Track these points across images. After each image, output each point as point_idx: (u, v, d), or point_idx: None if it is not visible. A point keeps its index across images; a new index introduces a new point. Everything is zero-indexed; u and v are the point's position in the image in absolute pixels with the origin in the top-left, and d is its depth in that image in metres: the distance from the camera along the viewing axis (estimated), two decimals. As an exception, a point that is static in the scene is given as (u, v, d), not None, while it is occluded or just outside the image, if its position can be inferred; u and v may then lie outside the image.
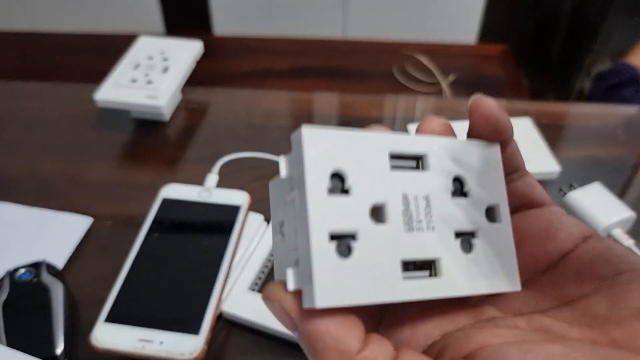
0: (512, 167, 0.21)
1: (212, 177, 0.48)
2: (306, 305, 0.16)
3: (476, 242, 0.19)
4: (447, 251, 0.18)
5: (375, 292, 0.17)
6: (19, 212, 0.48)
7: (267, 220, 0.46)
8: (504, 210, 0.20)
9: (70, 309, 0.40)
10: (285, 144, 0.55)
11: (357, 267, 0.16)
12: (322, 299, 0.16)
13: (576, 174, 0.52)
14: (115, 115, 0.57)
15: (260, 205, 0.47)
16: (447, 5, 0.77)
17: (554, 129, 0.58)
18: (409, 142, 0.19)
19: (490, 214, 0.20)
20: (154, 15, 0.74)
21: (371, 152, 0.18)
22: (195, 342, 0.37)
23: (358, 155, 0.18)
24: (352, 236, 0.17)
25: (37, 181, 0.52)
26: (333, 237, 0.16)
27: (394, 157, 0.18)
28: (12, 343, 0.37)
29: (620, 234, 0.45)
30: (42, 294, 0.40)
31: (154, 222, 0.45)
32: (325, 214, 0.16)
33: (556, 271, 0.19)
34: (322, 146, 0.17)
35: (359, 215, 0.17)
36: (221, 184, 0.49)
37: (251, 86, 0.63)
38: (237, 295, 0.40)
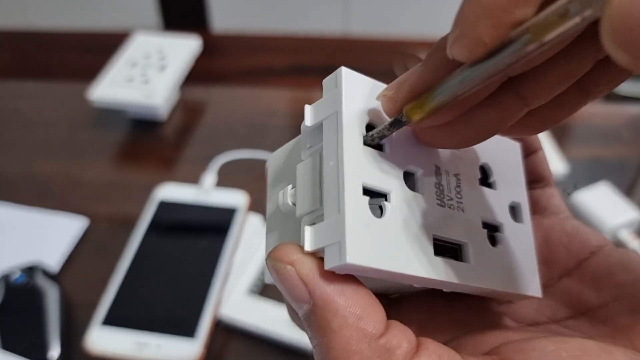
0: (537, 176, 0.19)
1: (210, 177, 0.48)
2: (330, 264, 0.14)
3: (500, 237, 0.17)
4: (475, 238, 0.16)
5: (408, 262, 0.14)
6: (14, 212, 0.48)
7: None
8: (526, 211, 0.18)
9: (65, 312, 0.39)
10: (285, 142, 0.54)
11: (389, 231, 0.14)
12: (354, 254, 0.13)
13: (580, 174, 0.52)
14: (113, 114, 0.57)
15: (259, 205, 0.46)
16: (449, 2, 0.76)
17: (558, 128, 0.57)
18: None
19: (513, 212, 0.18)
20: (150, 10, 0.73)
21: None
22: (193, 346, 0.37)
23: None
24: (385, 197, 0.15)
25: (33, 181, 0.51)
26: (366, 191, 0.14)
27: None
28: (7, 347, 0.37)
29: (627, 235, 0.44)
30: (37, 297, 0.39)
31: (150, 222, 0.44)
32: (360, 164, 0.14)
33: (572, 279, 0.18)
34: (360, 91, 0.15)
35: (393, 175, 0.15)
36: (220, 183, 0.48)
37: (250, 84, 0.62)
38: (236, 299, 0.40)
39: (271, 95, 0.60)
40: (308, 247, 0.14)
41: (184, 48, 0.60)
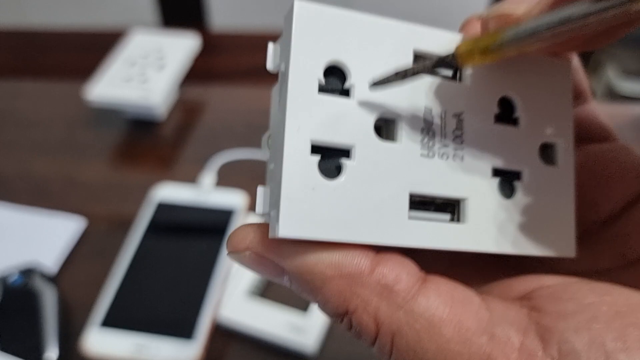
0: (573, 91, 0.16)
1: (209, 177, 0.47)
2: (271, 234, 0.12)
3: (520, 185, 0.14)
4: (477, 190, 0.14)
5: (366, 229, 0.12)
6: (11, 212, 0.47)
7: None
8: (566, 151, 0.15)
9: (63, 314, 0.39)
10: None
11: (346, 193, 0.12)
12: (287, 226, 0.12)
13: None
14: (111, 114, 0.56)
15: (259, 206, 0.46)
16: (450, 2, 0.76)
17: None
18: (443, 39, 0.14)
19: (547, 153, 0.15)
20: (148, 8, 0.73)
21: (387, 46, 0.13)
22: (192, 348, 0.36)
23: (368, 48, 0.13)
24: (346, 153, 0.13)
25: (30, 181, 0.51)
26: (316, 148, 0.12)
27: (419, 57, 0.14)
28: (5, 349, 0.36)
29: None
30: (35, 299, 0.39)
31: (149, 223, 0.44)
32: (308, 115, 0.12)
33: (619, 223, 0.15)
34: (318, 27, 0.13)
35: (359, 126, 0.13)
36: (219, 183, 0.48)
37: (250, 83, 0.62)
38: (236, 301, 0.39)
39: (270, 93, 0.59)
40: (258, 210, 0.13)
41: (183, 47, 0.60)
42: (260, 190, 0.13)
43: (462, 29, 0.16)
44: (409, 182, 0.13)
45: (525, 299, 0.12)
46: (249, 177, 0.49)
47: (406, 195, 0.13)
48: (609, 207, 0.15)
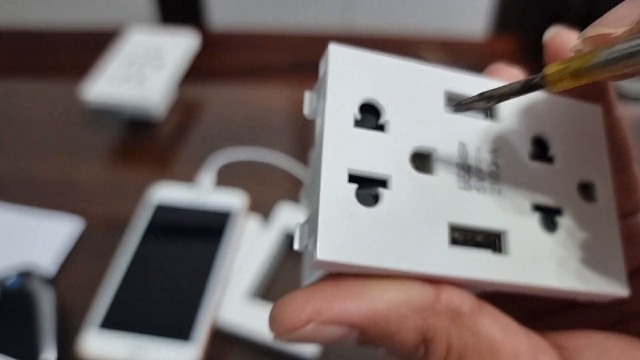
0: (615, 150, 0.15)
1: (208, 177, 0.47)
2: (309, 264, 0.12)
3: (562, 221, 0.14)
4: (519, 223, 0.13)
5: (408, 257, 0.12)
6: (7, 213, 0.47)
7: (266, 220, 0.45)
8: (606, 188, 0.15)
9: (60, 316, 0.39)
10: (285, 142, 0.54)
11: (385, 221, 0.12)
12: (327, 250, 0.11)
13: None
14: (108, 114, 0.56)
15: (259, 205, 0.46)
16: (450, 1, 0.75)
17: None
18: (475, 83, 0.14)
19: (586, 191, 0.15)
20: (146, 6, 0.72)
21: (421, 87, 0.14)
22: (191, 350, 0.36)
23: (402, 88, 0.14)
24: (383, 183, 0.13)
25: (27, 182, 0.51)
26: (354, 178, 0.13)
27: (453, 100, 0.14)
28: (2, 351, 0.36)
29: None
30: (32, 301, 0.39)
31: (147, 224, 0.44)
32: (345, 146, 0.13)
33: None
34: (352, 68, 0.13)
35: (395, 158, 0.13)
36: (218, 183, 0.47)
37: (249, 82, 0.61)
38: (235, 303, 0.39)
39: (270, 93, 0.59)
40: (296, 246, 0.13)
41: (182, 46, 0.59)
42: (297, 226, 0.13)
43: (490, 73, 0.16)
44: (448, 212, 0.13)
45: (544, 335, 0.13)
46: (249, 177, 0.49)
47: (445, 224, 0.13)
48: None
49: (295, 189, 0.48)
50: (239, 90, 0.60)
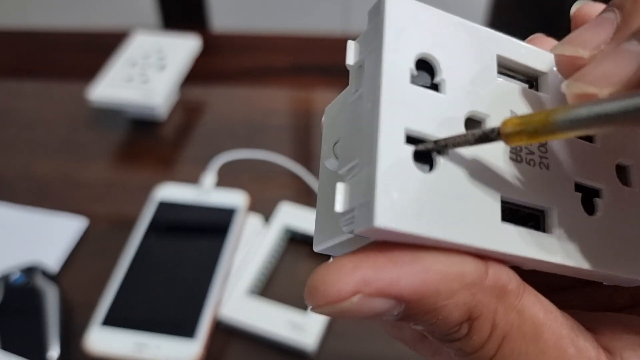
0: None
1: (210, 177, 0.48)
2: (357, 227, 0.11)
3: (601, 203, 0.14)
4: (563, 202, 0.13)
5: (463, 229, 0.11)
6: (13, 212, 0.47)
7: (267, 220, 0.45)
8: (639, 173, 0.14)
9: (65, 313, 0.39)
10: (285, 142, 0.55)
11: (439, 189, 0.11)
12: (386, 216, 0.10)
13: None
14: (112, 114, 0.57)
15: (259, 205, 0.46)
16: (451, 3, 0.76)
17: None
18: (525, 51, 0.14)
19: (622, 174, 0.14)
20: (150, 9, 0.73)
21: (474, 47, 0.13)
22: (193, 347, 0.37)
23: (458, 46, 0.13)
24: (438, 149, 0.12)
25: (32, 181, 0.51)
26: (410, 139, 0.12)
27: (501, 65, 0.14)
28: (7, 348, 0.36)
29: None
30: (37, 298, 0.39)
31: (150, 222, 0.44)
32: (402, 104, 0.12)
33: None
34: (409, 20, 0.12)
35: (450, 122, 0.12)
36: (219, 183, 0.48)
37: (250, 84, 0.62)
38: (236, 300, 0.40)
39: (271, 94, 0.60)
40: (339, 207, 0.12)
41: (184, 48, 0.60)
42: (340, 186, 0.12)
43: (530, 42, 0.15)
44: (499, 184, 0.12)
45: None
46: (250, 177, 0.50)
47: (498, 199, 0.12)
48: None
49: (296, 189, 0.49)
50: (240, 91, 0.61)
